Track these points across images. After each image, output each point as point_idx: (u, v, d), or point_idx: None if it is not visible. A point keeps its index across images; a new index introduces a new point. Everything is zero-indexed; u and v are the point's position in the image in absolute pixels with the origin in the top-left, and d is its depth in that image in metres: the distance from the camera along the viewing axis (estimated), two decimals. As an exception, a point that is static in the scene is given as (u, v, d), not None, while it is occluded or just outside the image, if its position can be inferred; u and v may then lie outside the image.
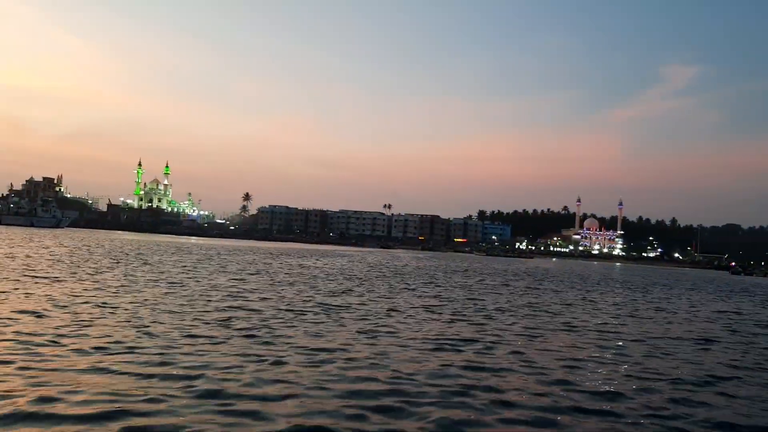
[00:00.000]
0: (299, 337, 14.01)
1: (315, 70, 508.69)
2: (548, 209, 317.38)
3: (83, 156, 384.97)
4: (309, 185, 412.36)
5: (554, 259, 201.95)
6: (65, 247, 53.59)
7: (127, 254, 47.17)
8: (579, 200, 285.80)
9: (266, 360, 11.30)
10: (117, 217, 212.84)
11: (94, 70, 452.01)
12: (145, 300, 19.00)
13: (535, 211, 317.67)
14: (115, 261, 37.83)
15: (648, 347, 16.02)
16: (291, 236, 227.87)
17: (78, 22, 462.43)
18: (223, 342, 12.87)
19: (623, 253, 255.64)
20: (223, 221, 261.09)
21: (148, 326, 14.14)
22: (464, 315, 20.75)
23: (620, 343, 16.42)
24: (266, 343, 13.09)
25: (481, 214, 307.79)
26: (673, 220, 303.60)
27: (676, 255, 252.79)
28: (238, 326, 15.04)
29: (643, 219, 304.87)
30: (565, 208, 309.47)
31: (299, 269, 41.57)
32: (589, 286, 46.22)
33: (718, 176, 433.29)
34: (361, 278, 35.27)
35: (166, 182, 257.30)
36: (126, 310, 16.61)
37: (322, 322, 16.72)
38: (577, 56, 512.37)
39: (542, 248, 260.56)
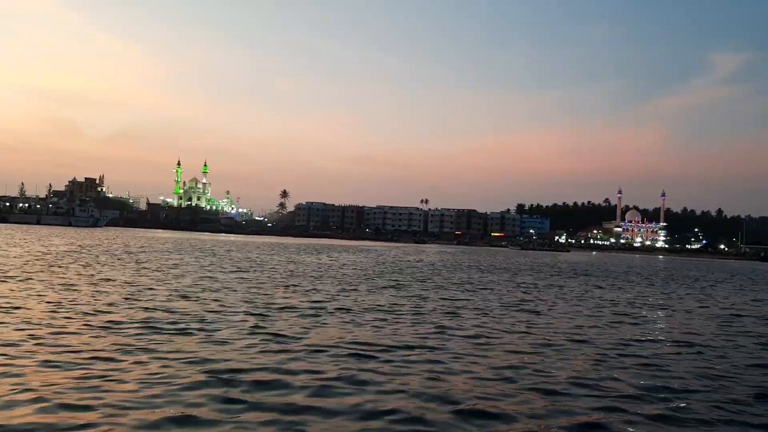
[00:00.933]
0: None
1: (354, 67, 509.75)
2: (589, 202, 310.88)
3: (127, 156, 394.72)
4: (347, 182, 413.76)
5: (594, 253, 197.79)
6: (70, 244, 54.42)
7: (116, 254, 47.46)
8: (620, 192, 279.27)
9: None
10: (156, 216, 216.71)
11: (137, 72, 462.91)
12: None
13: (575, 203, 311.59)
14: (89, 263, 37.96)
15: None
16: (327, 232, 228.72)
17: (121, 25, 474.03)
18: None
19: (666, 246, 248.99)
20: (261, 218, 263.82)
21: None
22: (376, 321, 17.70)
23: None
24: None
25: (520, 207, 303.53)
26: (719, 211, 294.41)
27: (722, 247, 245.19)
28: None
29: (688, 210, 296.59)
30: (607, 200, 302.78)
31: (292, 266, 41.07)
32: (602, 278, 44.71)
33: (767, 165, 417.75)
34: (339, 277, 34.08)
35: (204, 181, 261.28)
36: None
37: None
38: (622, 46, 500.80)
39: (582, 241, 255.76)
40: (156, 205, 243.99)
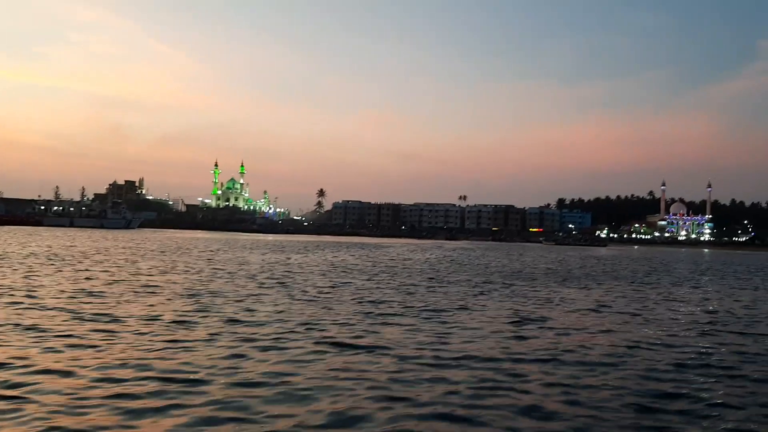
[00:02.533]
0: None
1: (393, 65, 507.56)
2: (632, 195, 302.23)
3: (174, 159, 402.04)
4: (388, 180, 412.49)
5: (636, 247, 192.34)
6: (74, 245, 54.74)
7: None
8: (664, 184, 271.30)
9: None
10: (193, 217, 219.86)
11: (184, 76, 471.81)
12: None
13: (618, 197, 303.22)
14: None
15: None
16: (362, 231, 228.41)
17: (166, 30, 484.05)
18: None
19: (712, 239, 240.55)
20: (299, 218, 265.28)
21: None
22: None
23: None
24: None
25: (561, 202, 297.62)
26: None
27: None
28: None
29: (737, 202, 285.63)
30: (651, 193, 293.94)
31: (280, 266, 40.17)
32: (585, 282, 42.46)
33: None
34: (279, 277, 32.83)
35: (242, 181, 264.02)
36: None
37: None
38: (670, 34, 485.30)
39: (624, 236, 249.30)
40: (194, 206, 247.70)
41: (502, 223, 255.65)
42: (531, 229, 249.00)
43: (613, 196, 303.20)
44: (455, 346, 13.24)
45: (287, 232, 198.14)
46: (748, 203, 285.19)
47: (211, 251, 54.08)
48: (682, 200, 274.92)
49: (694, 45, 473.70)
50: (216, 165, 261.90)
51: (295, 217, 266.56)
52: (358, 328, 15.15)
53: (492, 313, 19.07)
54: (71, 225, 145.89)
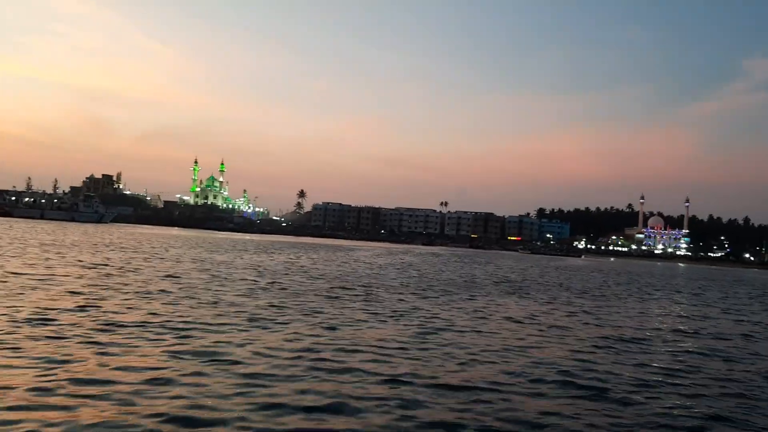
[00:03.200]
0: None
1: (382, 70, 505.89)
2: (611, 207, 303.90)
3: (157, 155, 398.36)
4: (372, 184, 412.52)
5: (612, 259, 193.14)
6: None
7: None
8: (643, 198, 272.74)
9: None
10: (170, 214, 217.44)
11: (171, 72, 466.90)
12: None
13: (598, 208, 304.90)
14: None
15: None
16: (341, 233, 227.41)
17: (156, 25, 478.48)
18: None
19: (688, 253, 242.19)
20: (278, 218, 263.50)
21: None
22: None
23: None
24: None
25: (541, 212, 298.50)
26: (746, 219, 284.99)
27: (747, 255, 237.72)
28: None
29: (714, 218, 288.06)
30: (630, 206, 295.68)
31: (207, 264, 39.20)
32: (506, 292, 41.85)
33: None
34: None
35: (221, 179, 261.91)
36: None
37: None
38: (656, 49, 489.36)
39: (602, 247, 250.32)
40: (172, 202, 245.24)
41: (482, 231, 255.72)
42: (510, 237, 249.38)
43: (592, 208, 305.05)
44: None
45: (264, 231, 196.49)
46: (725, 219, 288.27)
47: (164, 248, 52.90)
48: (660, 214, 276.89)
49: (678, 61, 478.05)
50: (196, 162, 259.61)
51: (274, 218, 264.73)
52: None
53: (390, 323, 18.33)
54: (42, 217, 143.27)
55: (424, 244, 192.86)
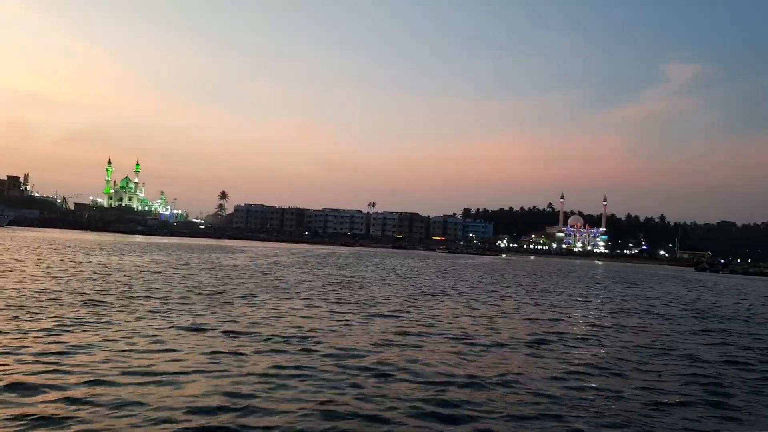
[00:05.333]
0: None
1: (313, 71, 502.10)
2: (533, 206, 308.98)
3: (80, 157, 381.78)
4: (302, 186, 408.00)
5: (532, 257, 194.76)
6: None
7: None
8: (563, 197, 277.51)
9: None
10: (80, 217, 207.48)
11: (95, 73, 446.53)
12: None
13: (522, 208, 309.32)
14: None
15: None
16: (262, 235, 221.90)
17: (81, 25, 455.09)
18: None
19: (606, 251, 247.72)
20: (197, 220, 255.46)
21: None
22: None
23: None
24: None
25: (466, 212, 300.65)
26: (662, 217, 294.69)
27: (662, 252, 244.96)
28: None
29: (632, 216, 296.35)
30: (550, 205, 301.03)
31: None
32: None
33: (715, 174, 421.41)
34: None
35: (136, 180, 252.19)
36: None
37: None
38: (577, 56, 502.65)
39: (524, 246, 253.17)
40: (83, 205, 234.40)
41: (407, 231, 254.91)
42: (434, 237, 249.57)
43: (516, 208, 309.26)
44: None
45: (178, 234, 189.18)
46: (642, 218, 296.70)
47: (24, 251, 48.04)
48: (581, 213, 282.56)
49: (602, 67, 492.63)
50: (109, 162, 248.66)
51: (193, 220, 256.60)
52: None
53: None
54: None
55: (343, 245, 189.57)
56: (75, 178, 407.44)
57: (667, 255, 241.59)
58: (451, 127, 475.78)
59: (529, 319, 22.42)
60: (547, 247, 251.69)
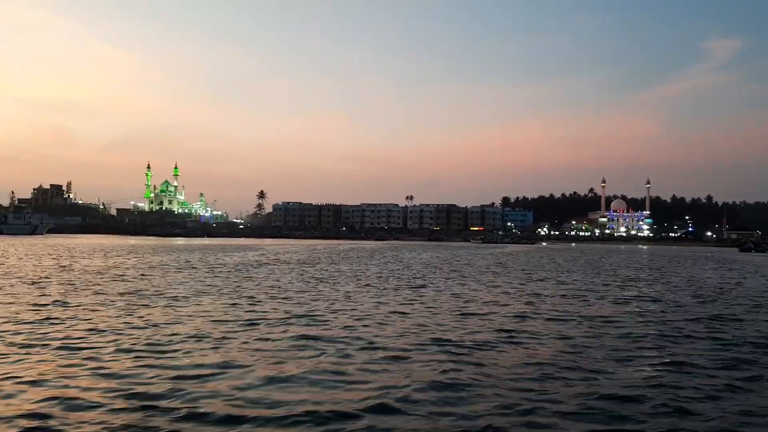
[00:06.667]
0: None
1: (342, 66, 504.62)
2: (574, 192, 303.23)
3: (120, 163, 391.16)
4: (337, 181, 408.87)
5: (573, 244, 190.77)
6: None
7: None
8: (604, 181, 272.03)
9: None
10: (121, 222, 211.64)
11: (133, 79, 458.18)
12: None
13: (563, 194, 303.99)
14: None
15: None
16: (299, 232, 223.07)
17: (113, 31, 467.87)
18: None
19: (650, 234, 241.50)
20: (237, 220, 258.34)
21: None
22: None
23: None
24: None
25: (505, 200, 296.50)
26: (709, 198, 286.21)
27: (709, 234, 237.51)
28: None
29: (677, 198, 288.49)
30: (591, 190, 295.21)
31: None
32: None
33: (762, 150, 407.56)
34: None
35: (176, 184, 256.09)
36: None
37: None
38: (614, 35, 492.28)
39: (566, 233, 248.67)
40: (125, 210, 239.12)
41: (444, 223, 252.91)
42: (472, 228, 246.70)
43: (556, 194, 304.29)
44: None
45: (216, 235, 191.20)
46: (688, 199, 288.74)
47: (51, 256, 48.23)
48: (623, 197, 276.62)
49: (638, 46, 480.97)
50: (148, 167, 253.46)
51: (234, 220, 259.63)
52: None
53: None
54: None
55: (377, 239, 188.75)
56: (116, 183, 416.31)
57: (714, 236, 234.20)
58: (484, 114, 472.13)
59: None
60: (589, 234, 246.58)
